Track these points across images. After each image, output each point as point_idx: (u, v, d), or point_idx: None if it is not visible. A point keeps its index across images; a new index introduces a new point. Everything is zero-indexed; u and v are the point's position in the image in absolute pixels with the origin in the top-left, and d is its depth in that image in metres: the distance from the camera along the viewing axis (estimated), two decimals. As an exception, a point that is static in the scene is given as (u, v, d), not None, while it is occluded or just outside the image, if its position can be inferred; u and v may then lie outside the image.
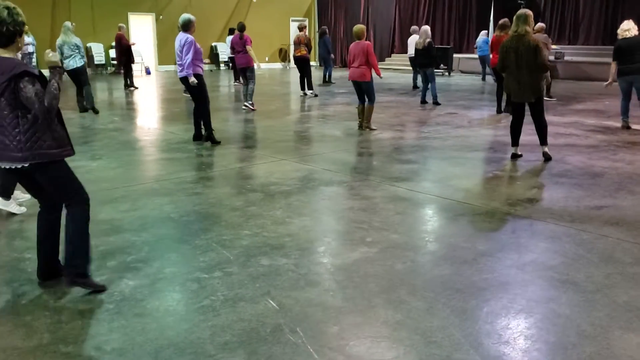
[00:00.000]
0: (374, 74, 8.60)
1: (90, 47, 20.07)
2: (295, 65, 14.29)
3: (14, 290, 3.26)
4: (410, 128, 9.20)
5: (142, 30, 21.57)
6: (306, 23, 17.43)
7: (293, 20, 26.14)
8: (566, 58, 17.95)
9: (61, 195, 3.26)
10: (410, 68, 16.12)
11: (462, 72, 20.81)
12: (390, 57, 24.64)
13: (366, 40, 8.62)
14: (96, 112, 10.51)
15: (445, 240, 4.12)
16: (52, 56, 3.16)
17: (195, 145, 7.64)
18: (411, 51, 14.91)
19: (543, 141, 6.65)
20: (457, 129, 9.02)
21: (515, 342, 2.74)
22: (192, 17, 7.59)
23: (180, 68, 7.57)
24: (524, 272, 3.54)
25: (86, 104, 10.52)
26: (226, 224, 4.43)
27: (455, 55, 20.93)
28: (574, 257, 3.78)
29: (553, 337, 2.78)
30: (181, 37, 7.51)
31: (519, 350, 2.67)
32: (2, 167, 3.12)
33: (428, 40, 11.96)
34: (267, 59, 25.06)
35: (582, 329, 2.85)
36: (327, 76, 16.88)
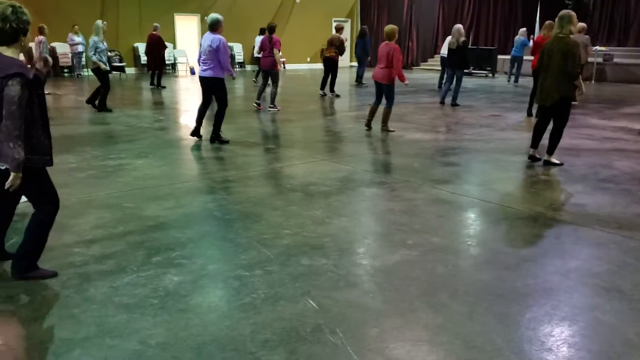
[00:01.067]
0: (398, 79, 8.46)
1: (137, 47, 20.54)
2: (323, 66, 14.25)
3: (62, 283, 3.38)
4: (452, 130, 9.10)
5: (187, 31, 21.96)
6: (344, 25, 17.33)
7: (335, 21, 26.17)
8: (615, 60, 17.45)
9: (32, 200, 3.33)
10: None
11: (507, 73, 20.44)
12: (432, 57, 24.42)
13: (397, 42, 8.45)
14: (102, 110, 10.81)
15: (488, 244, 4.07)
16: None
17: (233, 145, 7.75)
18: (444, 51, 14.73)
19: (549, 149, 6.47)
20: (500, 131, 8.88)
21: (558, 349, 2.69)
22: (220, 16, 7.59)
23: (204, 67, 7.61)
24: (568, 278, 3.47)
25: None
26: (267, 223, 4.48)
27: (499, 57, 20.60)
28: (620, 264, 3.68)
29: (597, 345, 2.72)
30: (211, 37, 7.49)
31: (562, 358, 2.62)
32: None
33: (462, 39, 11.67)
34: (308, 59, 25.16)
35: (628, 338, 2.78)
36: (358, 76, 16.79)
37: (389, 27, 8.49)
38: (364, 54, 16.34)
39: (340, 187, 5.58)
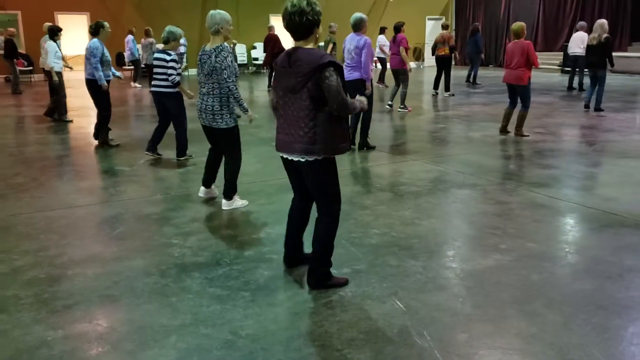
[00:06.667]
0: (533, 75, 7.94)
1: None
2: (435, 64, 13.96)
3: (162, 272, 3.56)
4: (551, 131, 8.69)
5: (280, 32, 22.43)
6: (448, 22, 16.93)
7: (429, 19, 25.75)
8: None
9: (319, 198, 3.26)
10: (561, 68, 15.04)
11: (612, 71, 19.23)
12: (531, 55, 23.40)
13: (526, 39, 7.91)
14: None
15: (588, 252, 3.85)
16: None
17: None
18: (574, 49, 13.99)
19: None
20: (605, 133, 8.37)
21: (666, 369, 2.50)
22: (363, 15, 7.04)
23: (349, 70, 6.99)
24: (679, 293, 3.21)
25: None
26: (355, 222, 4.49)
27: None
28: None
29: None
30: (357, 37, 6.94)
31: (670, 378, 2.44)
32: (287, 158, 3.20)
33: (605, 35, 10.37)
34: (401, 58, 24.93)
35: None
36: (472, 76, 16.21)
37: (517, 25, 8.03)
38: (477, 52, 15.75)
39: (431, 187, 5.48)
